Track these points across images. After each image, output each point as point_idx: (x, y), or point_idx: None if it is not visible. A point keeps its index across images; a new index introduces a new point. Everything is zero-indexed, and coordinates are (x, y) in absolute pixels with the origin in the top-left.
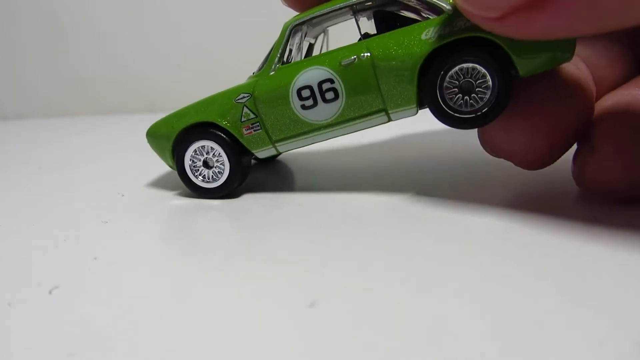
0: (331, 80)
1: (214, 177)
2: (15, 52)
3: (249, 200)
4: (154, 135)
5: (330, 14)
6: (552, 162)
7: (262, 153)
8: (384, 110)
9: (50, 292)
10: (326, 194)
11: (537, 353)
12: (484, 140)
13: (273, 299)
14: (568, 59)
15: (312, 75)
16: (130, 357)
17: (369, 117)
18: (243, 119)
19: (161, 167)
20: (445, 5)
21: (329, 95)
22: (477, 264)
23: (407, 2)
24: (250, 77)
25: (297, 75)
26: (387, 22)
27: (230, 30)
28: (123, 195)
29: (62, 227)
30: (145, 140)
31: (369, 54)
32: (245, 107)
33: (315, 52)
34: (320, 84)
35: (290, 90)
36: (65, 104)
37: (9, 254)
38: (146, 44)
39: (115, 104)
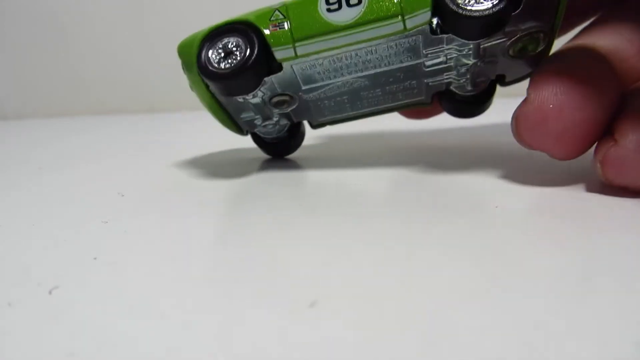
0: None
1: (230, 59)
2: (15, 52)
3: (249, 201)
4: (184, 45)
5: None
6: (585, 152)
7: (280, 53)
8: (401, 15)
9: (50, 292)
10: (326, 194)
11: (537, 353)
12: (518, 133)
13: (273, 299)
14: None
15: None
16: (130, 357)
17: (386, 22)
18: (272, 18)
19: (161, 167)
20: None
21: (353, 0)
22: (478, 264)
23: None
24: None
25: None
26: None
27: None
28: (123, 195)
29: (62, 227)
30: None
31: None
32: (277, 11)
33: None
34: None
35: None
36: (65, 104)
37: (9, 254)
38: (146, 44)
39: (115, 104)
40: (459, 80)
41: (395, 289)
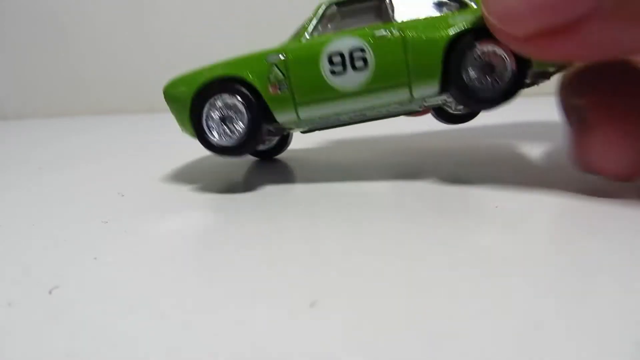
0: (362, 49)
1: (230, 134)
2: (15, 52)
3: (249, 201)
4: (172, 90)
5: (364, 4)
6: None
7: (282, 117)
8: (408, 85)
9: (50, 292)
10: (326, 193)
11: (536, 353)
12: (577, 158)
13: (273, 299)
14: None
15: (344, 43)
16: (130, 357)
17: (393, 91)
18: (271, 78)
19: (161, 167)
20: (470, 2)
21: (359, 63)
22: (478, 264)
23: None
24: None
25: (330, 42)
26: (408, 6)
27: (230, 30)
28: (123, 195)
29: (62, 227)
30: (163, 99)
31: (401, 30)
32: (275, 67)
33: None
34: (351, 51)
35: (322, 55)
36: (65, 104)
37: (9, 254)
38: (146, 44)
39: (115, 104)
40: (450, 102)
41: (396, 289)
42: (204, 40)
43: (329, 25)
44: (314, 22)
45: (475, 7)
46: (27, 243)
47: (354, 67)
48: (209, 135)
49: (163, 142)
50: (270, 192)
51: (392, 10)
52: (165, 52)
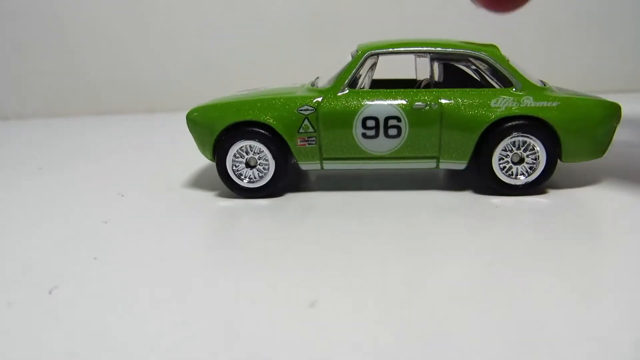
0: (398, 119)
1: (255, 177)
2: (15, 52)
3: (249, 201)
4: (197, 121)
5: (409, 53)
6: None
7: (306, 166)
8: (436, 158)
9: (50, 292)
10: (325, 193)
11: (536, 353)
12: None
13: (273, 299)
14: (599, 157)
15: (381, 109)
16: (130, 357)
17: (420, 161)
18: (301, 131)
19: (161, 167)
20: (515, 82)
21: (392, 131)
22: (477, 264)
23: (481, 67)
24: (307, 87)
25: (367, 105)
26: (455, 76)
27: (230, 30)
28: (123, 195)
29: (62, 227)
30: (186, 126)
31: (440, 104)
32: (306, 120)
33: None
34: (387, 118)
35: (357, 117)
36: (65, 104)
37: (9, 254)
38: (146, 44)
39: (115, 104)
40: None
41: (396, 289)
42: (204, 40)
43: (368, 75)
44: (354, 71)
45: (515, 89)
46: (27, 243)
47: (386, 135)
48: (236, 179)
49: (163, 142)
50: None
51: (436, 72)
52: (165, 52)
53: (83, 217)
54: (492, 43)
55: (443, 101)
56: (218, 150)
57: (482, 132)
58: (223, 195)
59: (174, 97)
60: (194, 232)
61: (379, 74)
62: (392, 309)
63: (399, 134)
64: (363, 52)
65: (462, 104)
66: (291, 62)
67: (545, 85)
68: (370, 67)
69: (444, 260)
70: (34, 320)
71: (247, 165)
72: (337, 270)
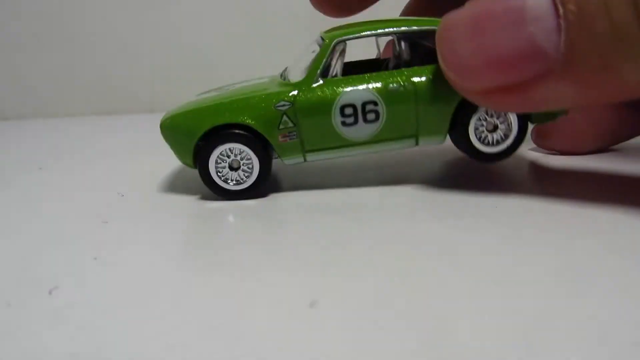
0: (375, 103)
1: (241, 179)
2: (15, 52)
3: (249, 202)
4: (173, 128)
5: (375, 36)
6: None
7: (290, 161)
8: (415, 137)
9: (50, 292)
10: (325, 193)
11: (537, 353)
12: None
13: (273, 299)
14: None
15: (357, 95)
16: (130, 357)
17: (400, 141)
18: (281, 127)
19: (161, 167)
20: None
21: (370, 116)
22: (477, 264)
23: None
24: (277, 80)
25: (343, 92)
26: (420, 53)
27: (230, 30)
28: (123, 195)
29: (62, 227)
30: (160, 133)
31: (412, 83)
32: (285, 115)
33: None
34: (364, 104)
35: (334, 106)
36: (66, 104)
37: (9, 254)
38: (146, 44)
39: (115, 104)
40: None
41: (395, 289)
42: (204, 40)
43: (338, 62)
44: (324, 61)
45: None
46: (27, 243)
47: (365, 120)
48: (221, 183)
49: (163, 142)
50: (270, 194)
51: (403, 50)
52: (165, 53)
53: (83, 217)
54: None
55: (415, 79)
56: (199, 156)
57: (456, 105)
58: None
59: (174, 97)
60: (194, 232)
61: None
62: (391, 309)
63: (377, 118)
64: (330, 41)
65: (435, 80)
66: (292, 62)
67: None
68: (340, 54)
69: (445, 260)
70: (34, 320)
71: (231, 167)
72: (337, 270)
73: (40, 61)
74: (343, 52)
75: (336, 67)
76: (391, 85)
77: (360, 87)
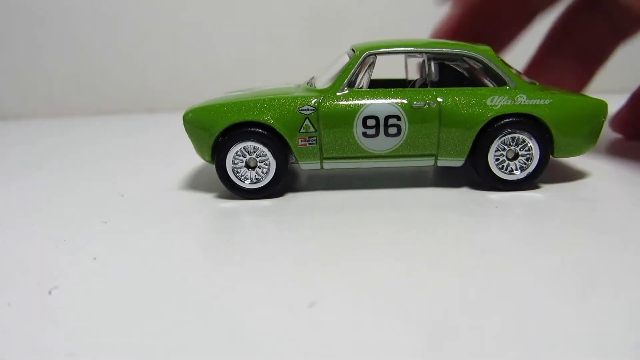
0: (398, 117)
1: (258, 177)
2: (15, 52)
3: (249, 202)
4: (194, 122)
5: (406, 53)
6: None
7: (306, 165)
8: (435, 156)
9: (50, 292)
10: (325, 194)
11: (537, 353)
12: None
13: (273, 299)
14: (588, 151)
15: (381, 108)
16: (130, 357)
17: (419, 158)
18: (302, 130)
19: (161, 167)
20: (509, 81)
21: (392, 130)
22: (477, 265)
23: (475, 67)
24: (303, 86)
25: (367, 104)
26: (449, 75)
27: (230, 30)
28: (123, 195)
29: (62, 227)
30: (183, 126)
31: (438, 103)
32: (307, 120)
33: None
34: (387, 117)
35: (357, 116)
36: (65, 104)
37: (9, 254)
38: (146, 43)
39: (115, 104)
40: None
41: (395, 289)
42: (204, 40)
43: (366, 74)
44: (352, 71)
45: (509, 88)
46: (27, 243)
47: (387, 133)
48: (237, 181)
49: (163, 142)
50: (271, 195)
51: (432, 71)
52: (165, 53)
53: (83, 217)
54: (485, 44)
55: (441, 100)
56: (217, 151)
57: (479, 130)
58: (223, 196)
59: (174, 97)
60: (194, 233)
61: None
62: (391, 309)
63: (398, 133)
64: (361, 52)
65: (460, 103)
66: (291, 62)
67: (536, 84)
68: (368, 67)
69: (445, 260)
70: (34, 320)
71: (247, 166)
72: (337, 270)
73: (40, 61)
74: (372, 65)
75: (363, 80)
76: (416, 102)
77: (385, 100)
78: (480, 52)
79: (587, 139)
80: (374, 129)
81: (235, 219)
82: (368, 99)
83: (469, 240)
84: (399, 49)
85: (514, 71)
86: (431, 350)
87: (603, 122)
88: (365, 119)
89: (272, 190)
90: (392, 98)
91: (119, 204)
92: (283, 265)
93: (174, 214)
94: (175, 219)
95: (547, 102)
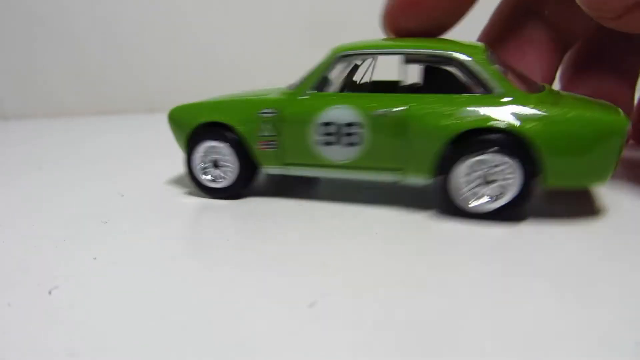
0: (359, 125)
1: (221, 177)
2: (15, 52)
3: (250, 202)
4: (173, 119)
5: (382, 54)
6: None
7: (270, 170)
8: (400, 170)
9: (50, 292)
10: (325, 194)
11: (537, 353)
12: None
13: (273, 299)
14: (598, 182)
15: (341, 114)
16: (130, 357)
17: (383, 172)
18: (261, 134)
19: (160, 167)
20: (495, 88)
21: (352, 139)
22: (477, 265)
23: (460, 70)
24: (281, 89)
25: (327, 109)
26: (438, 80)
27: (230, 29)
28: (123, 195)
29: (62, 227)
30: (167, 124)
31: (404, 110)
32: (268, 123)
33: (359, 75)
34: (347, 125)
35: (315, 122)
36: (66, 104)
37: (9, 254)
38: (147, 44)
39: (116, 104)
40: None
41: (395, 290)
42: (204, 40)
43: (345, 77)
44: (321, 74)
45: (497, 95)
46: (27, 243)
47: (345, 142)
48: (201, 178)
49: (163, 142)
50: (271, 194)
51: (416, 75)
52: (165, 53)
53: (83, 217)
54: (478, 43)
55: (408, 108)
56: (188, 147)
57: (444, 144)
58: (226, 196)
59: (174, 97)
60: (194, 233)
61: (382, 75)
62: (391, 309)
63: (359, 142)
64: (333, 54)
65: (427, 112)
66: (291, 62)
67: (543, 91)
68: (348, 69)
69: (444, 260)
70: (34, 320)
71: (215, 165)
72: (338, 270)
73: (40, 61)
74: (354, 68)
75: (340, 82)
76: (377, 110)
77: (346, 106)
78: (465, 52)
79: (593, 166)
80: (332, 137)
81: (236, 219)
82: (329, 104)
83: (469, 240)
84: (371, 50)
85: (509, 76)
86: (430, 350)
87: (620, 146)
88: (323, 125)
89: (234, 191)
90: (353, 104)
91: (119, 204)
92: (284, 265)
93: (174, 214)
94: (175, 219)
95: (540, 114)
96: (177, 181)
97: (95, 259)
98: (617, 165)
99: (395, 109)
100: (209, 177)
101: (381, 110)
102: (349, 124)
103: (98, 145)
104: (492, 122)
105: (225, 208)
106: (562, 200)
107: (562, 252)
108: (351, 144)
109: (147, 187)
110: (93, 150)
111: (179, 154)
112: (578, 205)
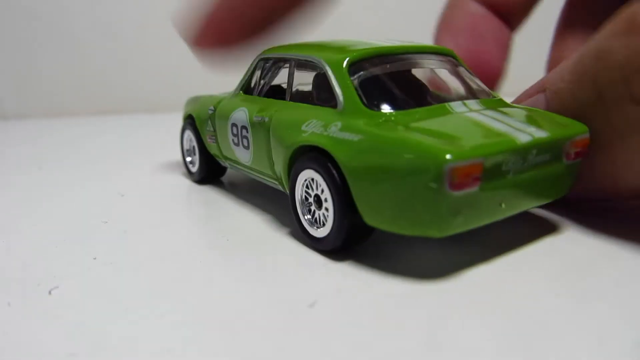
0: (246, 129)
1: (192, 163)
2: (15, 52)
3: (249, 201)
4: (186, 105)
5: (288, 59)
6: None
7: (220, 161)
8: (279, 180)
9: (50, 292)
10: None
11: (537, 353)
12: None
13: (273, 299)
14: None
15: (239, 117)
16: (130, 357)
17: (269, 178)
18: (208, 128)
19: (160, 167)
20: (339, 100)
21: (245, 142)
22: (476, 264)
23: (324, 79)
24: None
25: (235, 110)
26: (314, 86)
27: None
28: (123, 195)
29: (62, 227)
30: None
31: (269, 120)
32: (210, 119)
33: (281, 78)
34: (242, 127)
35: (228, 122)
36: (65, 104)
37: (9, 254)
38: (146, 44)
39: (116, 104)
40: None
41: (395, 289)
42: None
43: (265, 80)
44: (247, 75)
45: (338, 111)
46: (27, 243)
47: (242, 144)
48: (186, 158)
49: (163, 142)
50: (272, 195)
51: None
52: (164, 53)
53: (83, 217)
54: (357, 49)
55: (277, 114)
56: (180, 133)
57: (290, 158)
58: (223, 196)
59: (174, 97)
60: (194, 233)
61: None
62: (391, 309)
63: (248, 146)
64: (257, 56)
65: (283, 122)
66: None
67: (451, 102)
68: (270, 72)
69: (444, 260)
70: (34, 320)
71: (193, 152)
72: (338, 270)
73: (41, 61)
74: (275, 70)
75: (262, 85)
76: (256, 115)
77: (244, 110)
78: (329, 59)
79: (411, 210)
80: (237, 138)
81: (236, 219)
82: (238, 106)
83: (467, 240)
84: (282, 54)
85: (354, 88)
86: (430, 351)
87: (433, 189)
88: (231, 126)
89: (200, 177)
90: (247, 107)
91: (119, 204)
92: (284, 265)
93: (174, 213)
94: (175, 219)
95: (355, 138)
96: (177, 181)
97: (95, 259)
98: (467, 215)
99: (265, 117)
100: (189, 159)
101: (258, 117)
102: (244, 127)
103: (98, 145)
104: (320, 140)
105: (225, 208)
106: (560, 200)
107: (562, 252)
108: (245, 147)
109: (147, 187)
110: (93, 150)
111: (178, 154)
112: (575, 205)
